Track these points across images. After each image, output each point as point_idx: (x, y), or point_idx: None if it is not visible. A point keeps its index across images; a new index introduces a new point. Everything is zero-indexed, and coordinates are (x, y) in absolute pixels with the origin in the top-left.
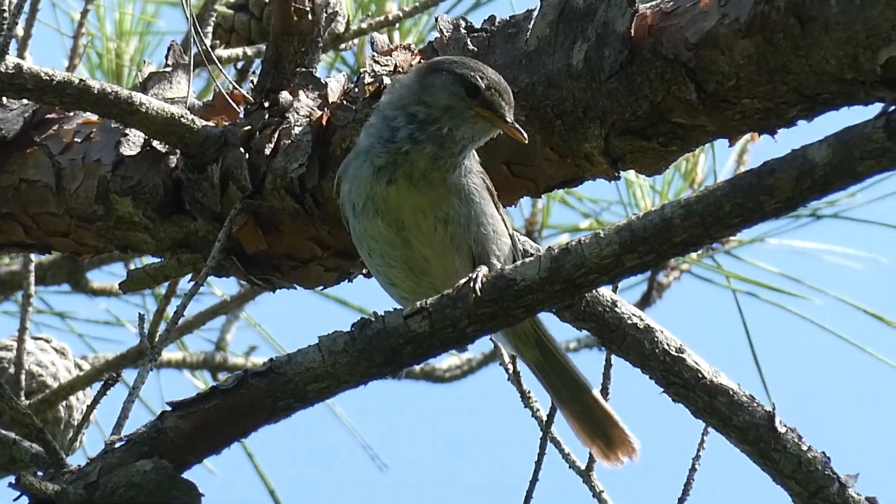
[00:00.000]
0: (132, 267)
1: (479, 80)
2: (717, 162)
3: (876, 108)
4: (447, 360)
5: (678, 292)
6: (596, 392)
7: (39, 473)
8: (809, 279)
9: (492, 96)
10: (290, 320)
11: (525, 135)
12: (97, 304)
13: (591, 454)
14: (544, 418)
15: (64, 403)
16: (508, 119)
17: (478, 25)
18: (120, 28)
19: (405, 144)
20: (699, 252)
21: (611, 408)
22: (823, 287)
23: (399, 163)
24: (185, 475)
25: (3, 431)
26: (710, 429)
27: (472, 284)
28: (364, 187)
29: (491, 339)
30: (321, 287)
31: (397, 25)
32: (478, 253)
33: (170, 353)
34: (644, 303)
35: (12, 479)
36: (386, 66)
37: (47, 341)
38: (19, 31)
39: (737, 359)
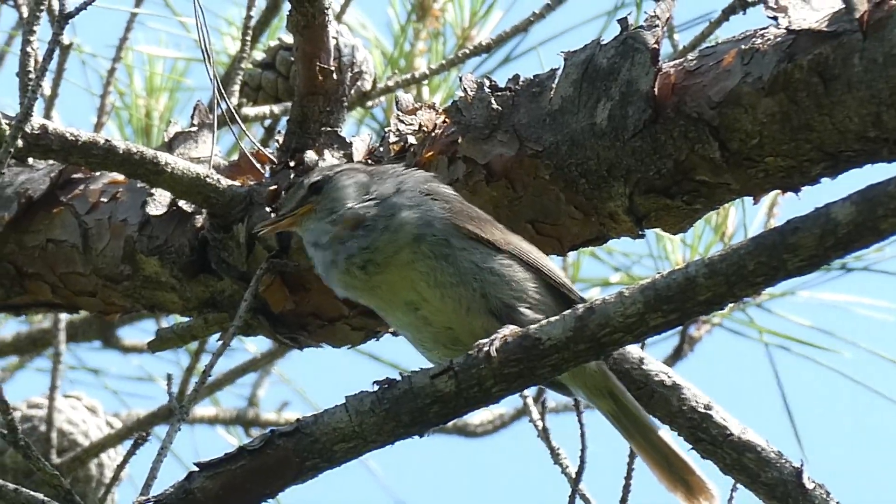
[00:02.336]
0: (163, 324)
1: None
2: (748, 216)
3: None
4: (479, 416)
5: (710, 345)
6: (670, 440)
7: None
8: (840, 332)
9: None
10: (321, 375)
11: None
12: (129, 361)
13: None
14: (573, 475)
15: (95, 461)
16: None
17: (502, 85)
18: (150, 85)
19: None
20: (730, 306)
21: (686, 455)
22: (855, 339)
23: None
24: None
25: (32, 493)
26: (738, 485)
27: (487, 348)
28: (366, 294)
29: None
30: (348, 346)
31: (425, 82)
32: (495, 306)
33: (203, 409)
34: (676, 356)
35: None
36: (410, 125)
37: (78, 399)
38: (46, 90)
39: (769, 411)
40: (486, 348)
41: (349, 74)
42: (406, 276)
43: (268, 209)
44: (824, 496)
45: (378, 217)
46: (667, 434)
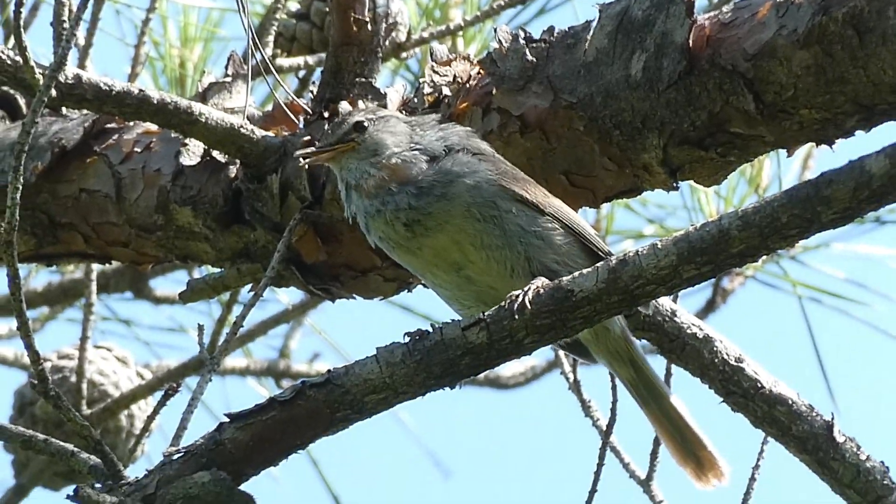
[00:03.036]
0: (195, 275)
1: None
2: (782, 168)
3: None
4: (511, 368)
5: (743, 298)
6: (685, 413)
7: (98, 485)
8: (874, 284)
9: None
10: (353, 327)
11: (299, 153)
12: (161, 312)
13: (650, 463)
14: (604, 427)
15: (125, 412)
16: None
17: (537, 36)
18: (184, 35)
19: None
20: (763, 258)
21: (700, 430)
22: (888, 292)
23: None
24: (246, 485)
25: (62, 443)
26: (769, 438)
27: (522, 297)
28: (403, 253)
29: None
30: (380, 298)
31: (460, 33)
32: (538, 269)
33: (234, 361)
34: (709, 308)
35: (71, 490)
36: (445, 76)
37: (109, 350)
38: (80, 39)
39: (801, 363)
40: (520, 299)
41: (384, 25)
42: (455, 240)
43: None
44: (855, 449)
45: (435, 183)
46: (683, 407)
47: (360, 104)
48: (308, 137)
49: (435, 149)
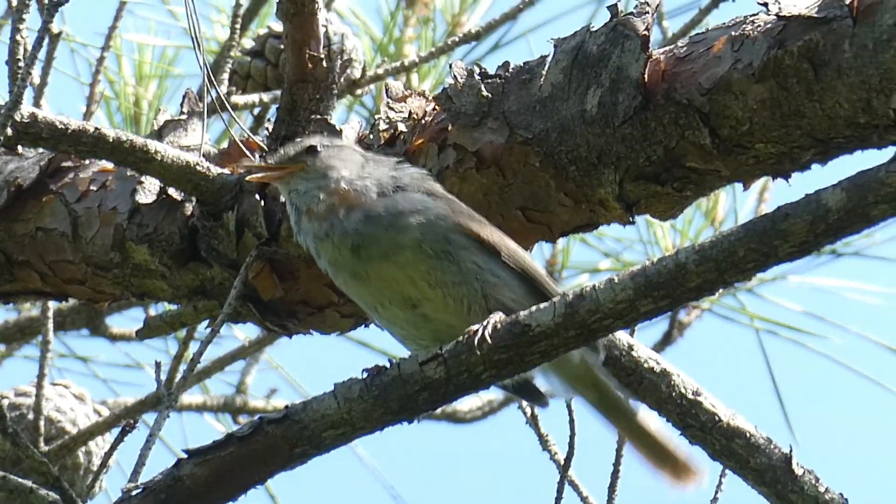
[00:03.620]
0: (151, 313)
1: None
2: (738, 201)
3: (890, 152)
4: (468, 402)
5: (700, 330)
6: (654, 425)
7: None
8: (831, 317)
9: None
10: (310, 362)
11: (244, 167)
12: (118, 349)
13: (609, 497)
14: (562, 461)
15: (83, 449)
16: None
17: (492, 72)
18: (139, 73)
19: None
20: (720, 291)
21: (668, 440)
22: (845, 324)
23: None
24: None
25: (21, 479)
26: (727, 470)
27: (482, 332)
28: (350, 279)
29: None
30: (337, 333)
31: (415, 70)
32: (493, 308)
33: (191, 397)
34: (665, 341)
35: None
36: (400, 112)
37: (66, 387)
38: (35, 78)
39: (759, 396)
40: (479, 333)
41: (339, 62)
42: (406, 274)
43: (257, 197)
44: (813, 482)
45: (383, 215)
46: (651, 420)
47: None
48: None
49: (385, 184)
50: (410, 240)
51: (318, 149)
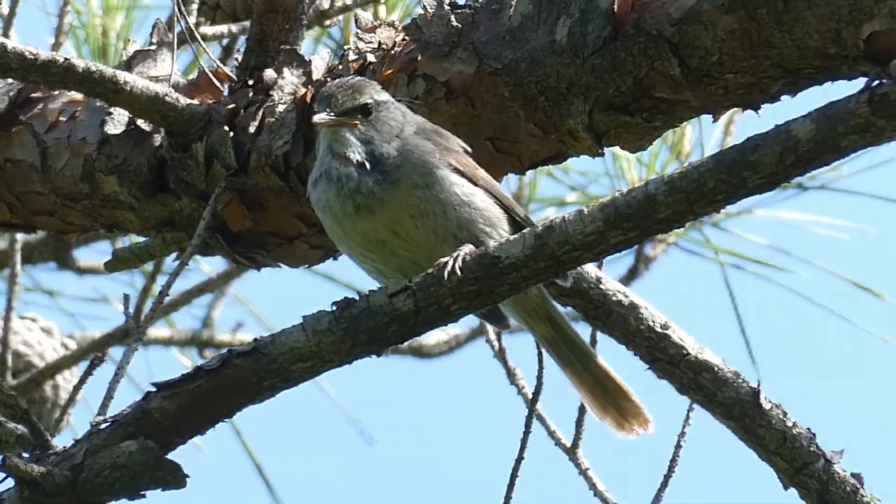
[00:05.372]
0: (118, 245)
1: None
2: (705, 134)
3: (859, 83)
4: (434, 336)
5: (665, 265)
6: (605, 363)
7: (25, 455)
8: (797, 250)
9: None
10: (277, 296)
11: (317, 119)
12: (85, 282)
13: (576, 431)
14: (530, 395)
15: (50, 383)
16: (316, 117)
17: (461, 2)
18: (106, 4)
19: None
20: (686, 225)
21: (622, 380)
22: (811, 258)
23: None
24: (173, 454)
25: None
26: (695, 405)
27: (451, 264)
28: (335, 225)
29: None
30: (306, 266)
31: (383, 1)
32: (466, 238)
33: (157, 331)
34: (631, 276)
35: None
36: (370, 43)
37: (34, 320)
38: (3, 9)
39: (724, 331)
40: (450, 265)
41: None
42: (394, 218)
43: (226, 128)
44: (781, 416)
45: (388, 170)
46: (601, 360)
47: (285, 73)
48: (233, 105)
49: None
50: (407, 184)
51: (371, 108)
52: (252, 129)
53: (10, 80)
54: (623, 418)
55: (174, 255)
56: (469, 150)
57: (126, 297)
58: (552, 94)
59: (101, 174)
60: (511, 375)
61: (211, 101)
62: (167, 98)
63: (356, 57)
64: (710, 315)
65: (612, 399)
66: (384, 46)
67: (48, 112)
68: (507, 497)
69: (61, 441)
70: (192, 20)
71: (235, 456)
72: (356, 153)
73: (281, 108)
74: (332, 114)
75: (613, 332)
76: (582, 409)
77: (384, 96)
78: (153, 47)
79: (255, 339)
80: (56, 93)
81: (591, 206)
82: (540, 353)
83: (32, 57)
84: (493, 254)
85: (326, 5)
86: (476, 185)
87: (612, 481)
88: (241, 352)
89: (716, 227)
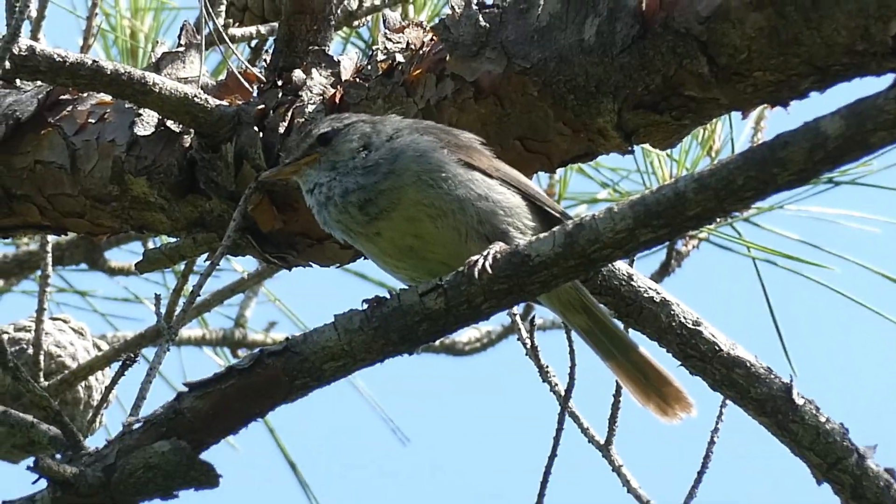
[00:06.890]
0: (149, 246)
1: None
2: (735, 130)
3: (888, 80)
4: (467, 334)
5: (697, 260)
6: (645, 352)
7: (58, 456)
8: (828, 245)
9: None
10: (309, 295)
11: (264, 175)
12: (116, 283)
13: (609, 428)
14: (562, 393)
15: (83, 384)
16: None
17: (489, 1)
18: (135, 6)
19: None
20: (717, 221)
21: (662, 366)
22: (843, 253)
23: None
24: (206, 454)
25: (21, 414)
26: (728, 401)
27: (482, 262)
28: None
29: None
30: (336, 265)
31: (412, 1)
32: (489, 232)
33: (190, 331)
34: (663, 272)
35: (31, 461)
36: (398, 43)
37: (66, 322)
38: (32, 12)
39: (757, 326)
40: (480, 263)
41: None
42: (411, 216)
43: (255, 128)
44: (814, 412)
45: (381, 161)
46: (641, 347)
47: (314, 74)
48: (262, 106)
49: (385, 138)
50: (410, 177)
51: (330, 134)
52: (281, 130)
53: (39, 83)
54: (666, 403)
55: (205, 255)
56: (484, 142)
57: (157, 298)
58: (581, 93)
59: (131, 175)
60: (543, 373)
61: (240, 102)
62: (196, 99)
63: (385, 57)
64: (741, 310)
65: (653, 385)
66: (412, 46)
67: (77, 114)
68: (541, 494)
69: (94, 442)
70: (220, 22)
71: (270, 455)
72: (324, 178)
73: (310, 108)
74: (287, 161)
75: (645, 329)
76: (615, 406)
77: (350, 119)
78: (181, 49)
79: (287, 339)
80: (85, 95)
81: (620, 203)
82: (572, 351)
83: (61, 59)
84: (523, 252)
85: (355, 6)
86: (491, 177)
87: (646, 478)
88: (272, 351)
89: (747, 222)
